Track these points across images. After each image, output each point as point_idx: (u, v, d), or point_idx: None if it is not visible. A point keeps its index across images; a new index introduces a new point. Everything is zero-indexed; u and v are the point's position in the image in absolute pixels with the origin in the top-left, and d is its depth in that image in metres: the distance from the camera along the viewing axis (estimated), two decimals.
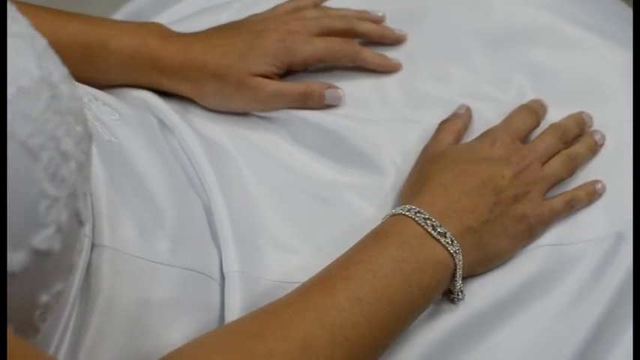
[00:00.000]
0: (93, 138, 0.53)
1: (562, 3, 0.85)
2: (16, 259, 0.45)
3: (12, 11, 0.49)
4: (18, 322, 0.48)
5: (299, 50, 0.81)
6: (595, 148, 0.77)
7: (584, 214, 0.74)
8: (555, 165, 0.74)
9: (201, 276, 0.67)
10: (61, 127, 0.47)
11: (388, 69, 0.83)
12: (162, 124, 0.78)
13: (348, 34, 0.84)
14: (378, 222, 0.70)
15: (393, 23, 0.86)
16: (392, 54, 0.84)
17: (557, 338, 0.70)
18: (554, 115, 0.79)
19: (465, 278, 0.70)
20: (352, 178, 0.78)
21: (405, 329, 0.67)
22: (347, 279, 0.64)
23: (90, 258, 0.61)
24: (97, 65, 0.79)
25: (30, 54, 0.47)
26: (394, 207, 0.71)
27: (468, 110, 0.79)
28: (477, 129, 0.78)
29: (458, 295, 0.70)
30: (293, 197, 0.77)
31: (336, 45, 0.82)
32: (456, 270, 0.68)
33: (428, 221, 0.68)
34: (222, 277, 0.69)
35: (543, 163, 0.74)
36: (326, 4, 0.88)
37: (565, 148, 0.76)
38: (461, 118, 0.78)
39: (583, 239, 0.73)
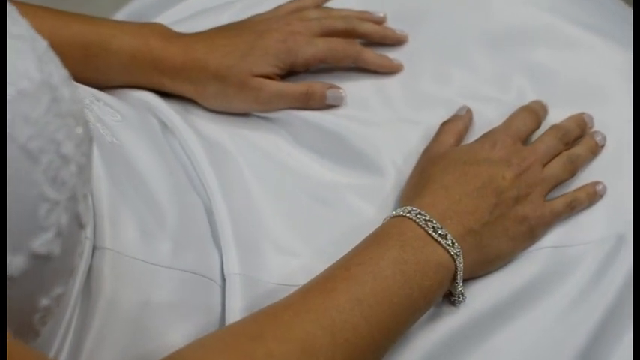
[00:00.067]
0: (94, 140, 0.53)
1: (562, 3, 0.85)
2: (15, 262, 0.44)
3: (12, 13, 0.49)
4: (17, 325, 0.48)
5: (301, 51, 0.81)
6: (596, 150, 0.77)
7: (585, 215, 0.74)
8: (556, 166, 0.74)
9: (202, 278, 0.67)
10: (62, 130, 0.47)
11: (389, 70, 0.83)
12: (164, 125, 0.78)
13: (349, 34, 0.84)
14: (379, 223, 0.70)
15: (394, 24, 0.86)
16: (393, 55, 0.84)
17: (558, 340, 0.70)
18: (555, 115, 0.79)
19: (465, 280, 0.70)
20: (353, 179, 0.78)
21: (406, 331, 0.67)
22: (347, 280, 0.64)
23: (91, 260, 0.61)
24: (97, 65, 0.79)
25: (31, 56, 0.47)
26: (395, 208, 0.71)
27: (469, 112, 0.79)
28: (477, 130, 0.78)
29: (458, 297, 0.70)
30: (293, 198, 0.77)
31: (338, 45, 0.82)
32: (456, 272, 0.68)
33: (429, 223, 0.68)
34: (223, 279, 0.69)
35: (544, 165, 0.74)
36: (328, 4, 0.88)
37: (566, 150, 0.76)
38: (462, 120, 0.78)
39: (584, 241, 0.73)
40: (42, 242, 0.46)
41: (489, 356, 0.69)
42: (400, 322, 0.66)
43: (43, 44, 0.49)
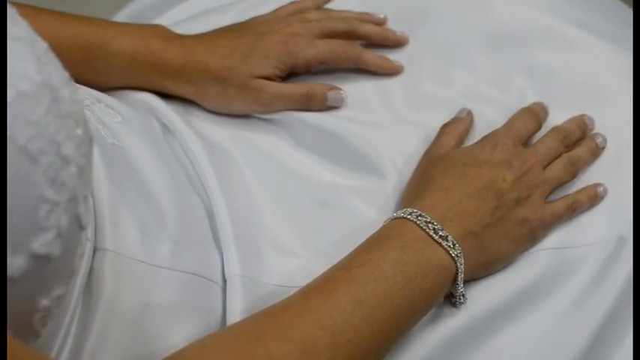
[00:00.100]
0: (94, 141, 0.53)
1: (562, 4, 0.85)
2: (15, 263, 0.44)
3: (12, 14, 0.49)
4: (17, 326, 0.48)
5: (301, 52, 0.81)
6: (596, 151, 0.77)
7: (586, 217, 0.74)
8: (557, 168, 0.74)
9: (203, 279, 0.67)
10: (62, 131, 0.47)
11: (390, 71, 0.83)
12: (164, 126, 0.78)
13: (350, 36, 0.84)
14: (380, 225, 0.70)
15: (394, 25, 0.86)
16: (394, 56, 0.84)
17: (560, 341, 0.70)
18: (555, 116, 0.78)
19: (466, 282, 0.70)
20: (353, 181, 0.78)
21: (407, 333, 0.67)
22: (348, 281, 0.64)
23: (92, 262, 0.61)
24: (97, 67, 0.79)
25: (30, 58, 0.47)
26: (395, 210, 0.71)
27: (470, 114, 0.79)
28: (478, 131, 0.78)
29: (459, 298, 0.69)
30: (294, 200, 0.77)
31: (338, 47, 0.82)
32: (457, 273, 0.68)
33: (429, 224, 0.68)
34: (224, 280, 0.69)
35: (545, 167, 0.74)
36: (328, 6, 0.88)
37: (567, 152, 0.76)
38: (462, 122, 0.78)
39: (585, 242, 0.73)
40: (42, 243, 0.46)
41: (490, 358, 0.69)
42: (401, 324, 0.65)
43: (42, 45, 0.49)
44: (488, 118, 0.79)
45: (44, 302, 0.49)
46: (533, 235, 0.72)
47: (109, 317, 0.60)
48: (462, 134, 0.77)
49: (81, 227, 0.50)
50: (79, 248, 0.52)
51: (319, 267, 0.67)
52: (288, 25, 0.82)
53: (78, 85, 0.62)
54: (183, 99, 0.81)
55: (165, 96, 0.81)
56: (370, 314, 0.63)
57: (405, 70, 0.83)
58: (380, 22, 0.86)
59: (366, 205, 0.76)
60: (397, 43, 0.85)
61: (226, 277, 0.69)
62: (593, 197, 0.75)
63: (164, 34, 0.81)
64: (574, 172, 0.75)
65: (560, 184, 0.75)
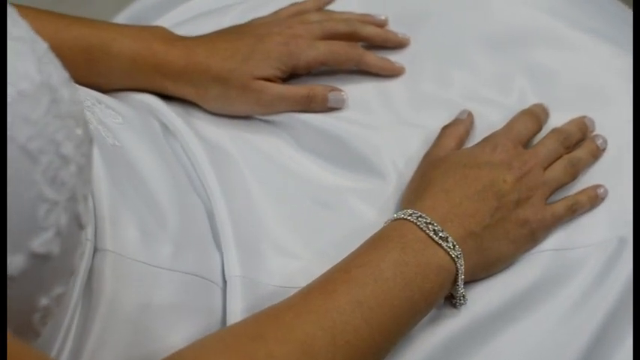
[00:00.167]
0: (94, 141, 0.53)
1: (562, 5, 0.85)
2: (14, 262, 0.45)
3: (12, 15, 0.49)
4: (17, 325, 0.48)
5: (302, 54, 0.81)
6: (597, 153, 0.77)
7: (587, 218, 0.74)
8: (557, 170, 0.74)
9: (203, 280, 0.67)
10: (61, 131, 0.47)
11: (391, 72, 0.83)
12: (165, 127, 0.78)
13: (351, 37, 0.84)
14: (380, 226, 0.70)
15: (395, 27, 0.86)
16: (395, 57, 0.84)
17: (560, 342, 0.70)
18: (556, 118, 0.79)
19: (467, 283, 0.70)
20: (354, 182, 0.78)
21: (407, 334, 0.67)
22: (348, 282, 0.64)
23: (92, 262, 0.61)
24: (99, 69, 0.79)
25: (30, 58, 0.47)
26: (396, 212, 0.71)
27: (470, 116, 0.79)
28: (478, 132, 0.78)
29: (460, 299, 0.69)
30: (295, 201, 0.77)
31: (340, 48, 0.82)
32: (457, 274, 0.68)
33: (429, 226, 0.68)
34: (224, 281, 0.69)
35: (545, 168, 0.74)
36: (329, 7, 0.88)
37: (567, 153, 0.76)
38: (463, 124, 0.78)
39: (585, 244, 0.73)
40: (41, 242, 0.46)
41: (490, 359, 0.69)
42: (401, 325, 0.66)
43: (42, 46, 0.49)
44: (489, 120, 0.79)
45: (44, 301, 0.49)
46: (533, 236, 0.72)
47: (109, 318, 0.60)
48: (462, 136, 0.77)
49: (80, 226, 0.50)
50: (79, 248, 0.52)
51: (320, 268, 0.67)
52: (289, 26, 0.82)
53: (78, 86, 0.62)
54: (184, 100, 0.81)
55: (165, 97, 0.81)
56: (370, 315, 0.63)
57: (406, 71, 0.83)
58: (381, 24, 0.86)
59: (366, 207, 0.76)
60: (398, 45, 0.85)
61: (226, 278, 0.69)
62: (594, 199, 0.75)
63: (165, 35, 0.81)
64: (574, 173, 0.75)
65: (561, 186, 0.75)
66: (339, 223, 0.75)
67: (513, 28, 0.84)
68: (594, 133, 0.78)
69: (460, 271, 0.68)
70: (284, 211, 0.76)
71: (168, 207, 0.69)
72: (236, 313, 0.67)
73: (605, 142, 0.77)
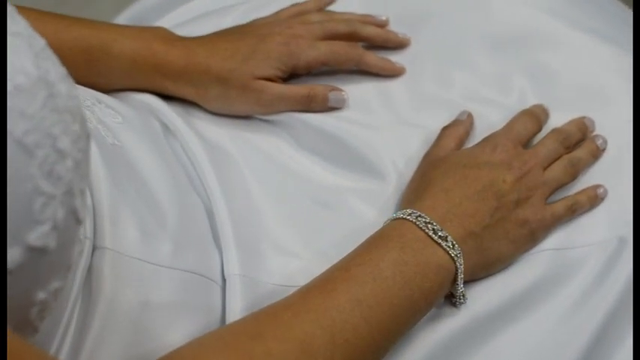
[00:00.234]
0: (91, 137, 0.53)
1: (563, 5, 0.85)
2: (11, 255, 0.45)
3: (11, 12, 0.49)
4: (15, 320, 0.48)
5: (303, 54, 0.81)
6: (597, 153, 0.77)
7: (587, 218, 0.74)
8: (557, 170, 0.74)
9: (203, 279, 0.67)
10: (58, 125, 0.47)
11: (392, 73, 0.83)
12: (165, 127, 0.78)
13: (351, 37, 0.84)
14: (380, 226, 0.70)
15: (396, 27, 0.86)
16: (395, 58, 0.84)
17: (561, 342, 0.70)
18: (556, 118, 0.79)
19: (467, 282, 0.70)
20: (354, 182, 0.78)
21: (406, 333, 0.67)
22: (347, 281, 0.64)
23: (91, 260, 0.61)
24: (99, 70, 0.79)
25: (27, 53, 0.47)
26: (396, 212, 0.71)
27: (470, 116, 0.79)
28: (478, 132, 0.78)
29: (459, 298, 0.69)
30: (295, 201, 0.77)
31: (340, 49, 0.82)
32: (457, 274, 0.68)
33: (429, 225, 0.68)
34: (224, 280, 0.69)
35: (545, 168, 0.74)
36: (330, 8, 0.88)
37: (567, 153, 0.76)
38: (463, 124, 0.78)
39: (585, 243, 0.73)
40: (37, 235, 0.46)
41: (490, 358, 0.69)
42: (400, 324, 0.66)
43: (40, 42, 0.49)
44: (489, 120, 0.79)
45: (41, 295, 0.49)
46: (533, 236, 0.72)
47: (108, 315, 0.60)
48: (462, 136, 0.78)
49: (77, 221, 0.50)
50: (76, 243, 0.52)
51: (319, 267, 0.67)
52: (290, 27, 0.82)
53: (78, 86, 0.62)
54: (184, 100, 0.81)
55: (165, 97, 0.81)
56: (369, 314, 0.63)
57: (406, 71, 0.84)
58: (382, 24, 0.86)
59: (366, 207, 0.76)
60: (399, 45, 0.85)
61: (226, 277, 0.69)
62: (593, 198, 0.75)
63: (165, 36, 0.81)
64: (574, 173, 0.75)
65: (560, 186, 0.75)
66: (339, 223, 0.75)
67: (514, 28, 0.84)
68: (594, 133, 0.78)
69: (460, 270, 0.68)
70: (284, 211, 0.76)
71: (168, 206, 0.69)
72: (235, 312, 0.67)
73: (605, 142, 0.77)
